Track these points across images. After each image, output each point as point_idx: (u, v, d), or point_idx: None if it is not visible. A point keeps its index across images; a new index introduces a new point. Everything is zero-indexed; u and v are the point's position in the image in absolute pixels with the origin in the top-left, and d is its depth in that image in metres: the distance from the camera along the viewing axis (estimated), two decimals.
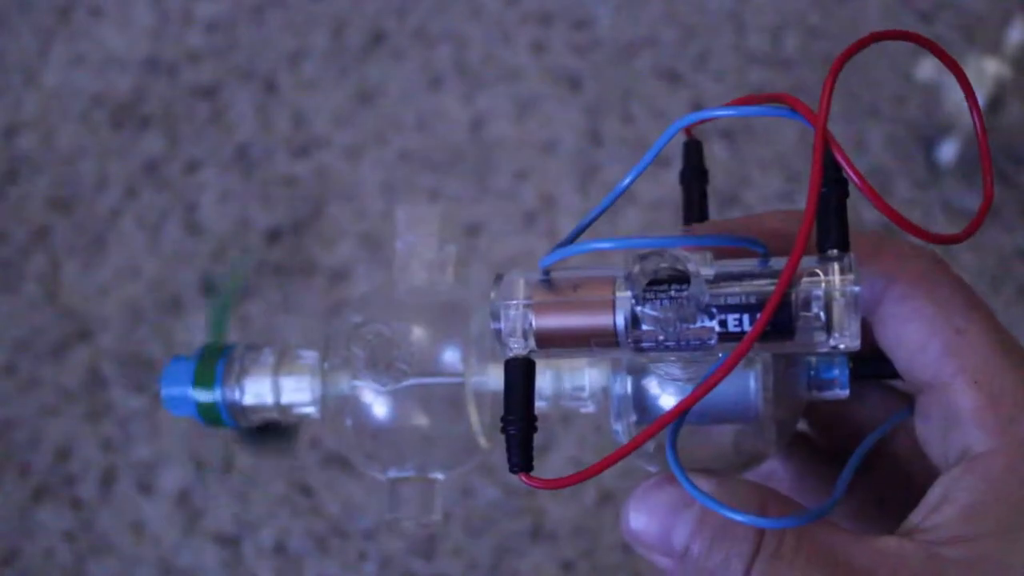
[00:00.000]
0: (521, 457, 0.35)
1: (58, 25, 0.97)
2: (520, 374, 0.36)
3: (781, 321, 0.33)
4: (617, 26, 0.95)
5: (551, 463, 0.80)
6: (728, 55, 0.95)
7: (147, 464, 0.82)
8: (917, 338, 0.37)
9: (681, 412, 0.33)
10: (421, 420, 0.42)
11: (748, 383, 0.37)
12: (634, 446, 0.33)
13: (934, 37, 0.93)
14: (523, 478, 0.35)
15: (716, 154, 0.90)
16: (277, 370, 0.43)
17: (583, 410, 0.42)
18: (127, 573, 0.81)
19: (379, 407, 0.41)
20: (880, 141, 0.90)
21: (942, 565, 0.35)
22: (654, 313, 0.34)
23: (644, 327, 0.34)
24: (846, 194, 0.35)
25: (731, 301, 0.34)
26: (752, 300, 0.34)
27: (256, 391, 0.43)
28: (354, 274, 0.87)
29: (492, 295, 0.36)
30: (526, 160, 0.91)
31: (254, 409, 0.43)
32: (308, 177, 0.91)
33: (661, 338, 0.34)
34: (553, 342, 0.35)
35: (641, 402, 0.39)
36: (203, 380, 0.43)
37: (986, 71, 0.87)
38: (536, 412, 0.36)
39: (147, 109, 0.94)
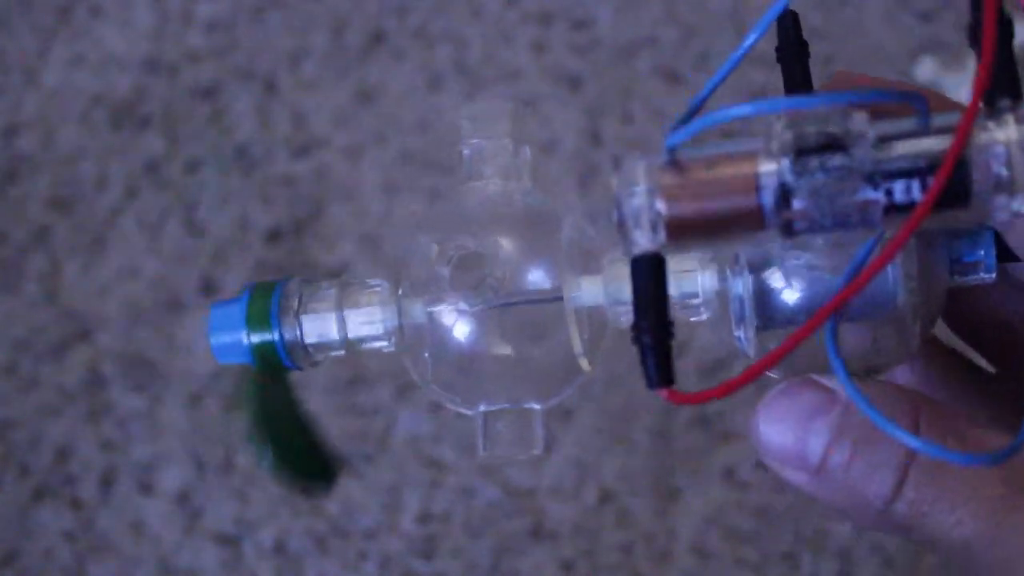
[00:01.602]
0: (660, 369, 0.30)
1: (58, 25, 0.97)
2: (650, 273, 0.31)
3: (957, 185, 0.29)
4: (617, 26, 0.95)
5: (552, 464, 0.80)
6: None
7: (147, 464, 0.82)
8: None
9: (845, 299, 0.29)
10: (512, 345, 0.37)
11: (887, 270, 0.32)
12: (794, 344, 0.29)
13: (934, 37, 0.94)
14: (666, 395, 0.30)
15: None
16: (341, 303, 0.38)
17: (694, 319, 0.37)
18: (127, 573, 0.81)
19: (463, 332, 0.37)
20: None
21: None
22: (811, 186, 0.29)
23: (797, 205, 0.29)
24: (1011, 34, 0.30)
25: (897, 166, 0.29)
26: (921, 164, 0.29)
27: (319, 327, 0.38)
28: (354, 274, 0.87)
29: (613, 182, 0.31)
30: None
31: (317, 347, 0.38)
32: (308, 177, 0.91)
33: (816, 216, 0.29)
34: (687, 232, 0.30)
35: (764, 303, 0.34)
36: (257, 318, 0.38)
37: None
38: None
39: (147, 109, 0.94)
